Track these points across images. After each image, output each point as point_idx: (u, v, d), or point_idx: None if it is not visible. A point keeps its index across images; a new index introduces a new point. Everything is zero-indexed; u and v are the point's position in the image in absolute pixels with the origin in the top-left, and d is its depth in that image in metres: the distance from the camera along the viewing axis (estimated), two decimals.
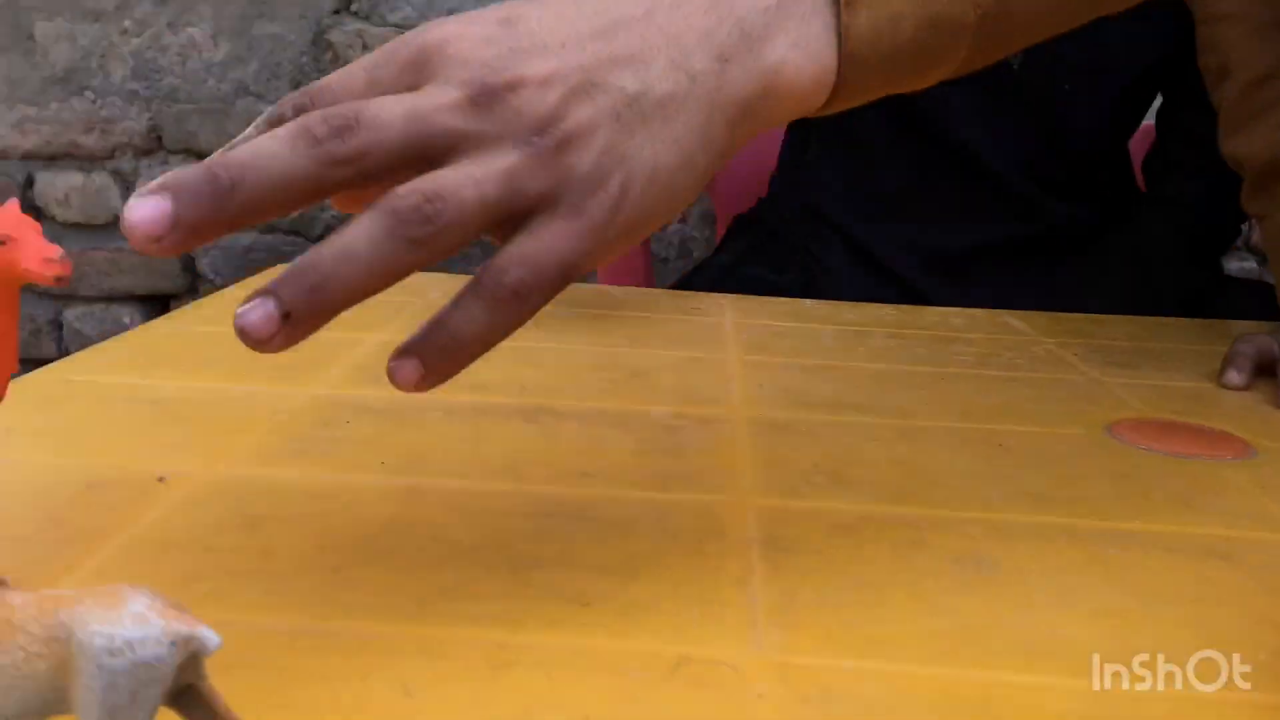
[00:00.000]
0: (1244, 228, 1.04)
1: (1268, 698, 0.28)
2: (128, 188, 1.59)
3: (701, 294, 0.78)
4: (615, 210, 0.30)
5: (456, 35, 0.30)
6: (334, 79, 0.31)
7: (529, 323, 0.46)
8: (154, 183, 0.27)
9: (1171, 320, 0.77)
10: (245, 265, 1.61)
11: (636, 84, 0.31)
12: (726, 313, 0.71)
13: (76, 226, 1.60)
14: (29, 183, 1.60)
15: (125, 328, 1.66)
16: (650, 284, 1.07)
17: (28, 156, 1.59)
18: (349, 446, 0.43)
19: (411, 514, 0.37)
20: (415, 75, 0.30)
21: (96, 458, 0.40)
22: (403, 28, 1.54)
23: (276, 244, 1.61)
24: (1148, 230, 0.94)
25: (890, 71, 0.36)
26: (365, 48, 1.55)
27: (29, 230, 0.26)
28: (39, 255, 0.26)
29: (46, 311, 1.64)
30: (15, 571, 0.25)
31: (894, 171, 0.96)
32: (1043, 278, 0.95)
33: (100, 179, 1.59)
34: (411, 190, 0.28)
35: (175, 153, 1.58)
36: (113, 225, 1.60)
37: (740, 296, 0.77)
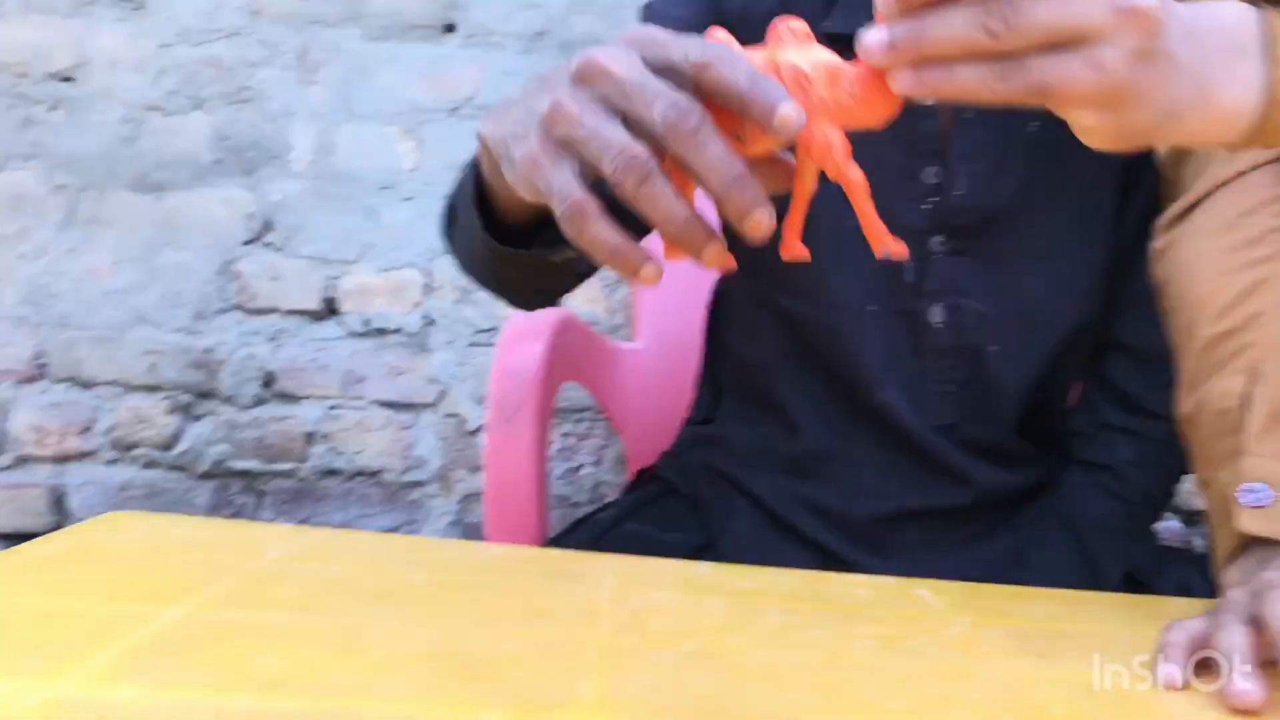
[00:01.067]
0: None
1: None
2: (5, 415, 1.49)
3: (583, 554, 0.69)
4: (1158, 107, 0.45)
5: None
6: None
7: (350, 595, 0.38)
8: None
9: (1102, 596, 0.70)
10: (119, 503, 1.50)
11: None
12: (606, 578, 0.63)
13: None
14: None
15: None
16: (542, 536, 0.98)
17: None
18: None
19: None
20: None
21: None
22: (315, 259, 1.51)
23: (156, 480, 1.50)
24: (1079, 497, 0.88)
25: None
26: (275, 279, 1.50)
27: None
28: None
29: None
30: None
31: (810, 434, 0.90)
32: (971, 548, 0.88)
33: None
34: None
35: (59, 381, 1.49)
36: None
37: (626, 558, 0.69)
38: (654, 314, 1.33)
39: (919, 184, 0.85)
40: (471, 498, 1.53)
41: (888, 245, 0.44)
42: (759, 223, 0.42)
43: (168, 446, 1.50)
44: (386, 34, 1.52)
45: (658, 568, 0.68)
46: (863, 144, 0.87)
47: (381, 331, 1.52)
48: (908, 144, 0.84)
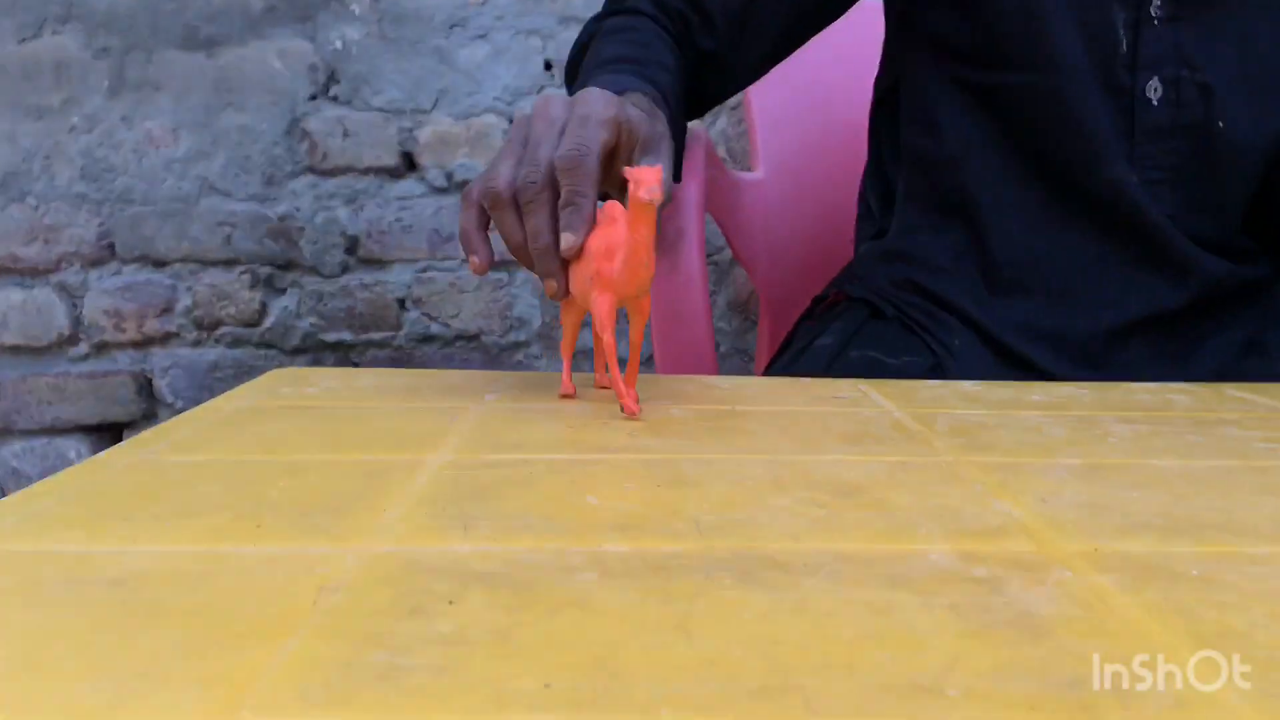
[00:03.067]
0: None
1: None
2: (74, 303, 1.40)
3: (831, 380, 0.60)
4: None
5: None
6: None
7: (646, 430, 0.34)
8: None
9: None
10: (209, 384, 1.41)
11: None
12: (884, 400, 0.53)
13: (14, 350, 1.40)
14: None
15: (72, 463, 1.45)
16: (714, 372, 0.89)
17: None
18: (464, 663, 0.24)
19: None
20: None
21: (30, 697, 0.21)
22: (387, 111, 1.38)
23: (244, 359, 1.42)
24: None
25: None
26: (347, 135, 1.39)
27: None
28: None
29: None
30: None
31: (1007, 237, 0.79)
32: (1198, 348, 0.78)
33: (43, 295, 1.40)
34: None
35: (130, 261, 1.39)
36: (56, 346, 1.40)
37: (884, 382, 0.60)
38: (772, 144, 1.21)
39: None
40: (579, 355, 1.44)
41: (625, 405, 0.48)
42: (547, 286, 0.51)
43: (253, 323, 1.41)
44: None
45: (928, 388, 0.58)
46: None
47: (467, 185, 1.40)
48: None
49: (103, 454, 0.42)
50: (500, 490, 0.36)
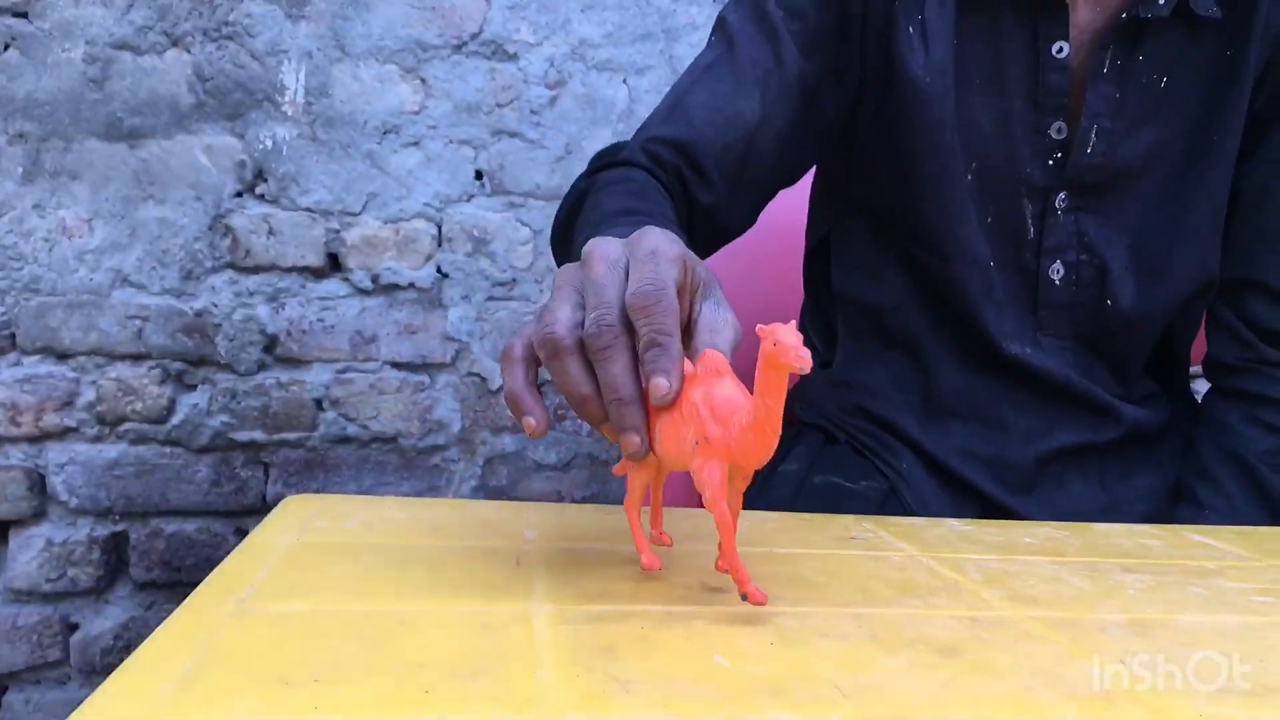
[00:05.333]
0: None
1: None
2: None
3: (836, 517, 0.64)
4: None
5: None
6: None
7: (710, 574, 0.47)
8: None
9: None
10: (107, 482, 1.35)
11: None
12: (899, 542, 0.57)
13: None
14: None
15: None
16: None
17: None
18: None
19: None
20: None
21: None
22: (315, 212, 1.38)
23: (147, 456, 1.36)
24: (1242, 433, 0.85)
25: None
26: (271, 233, 1.37)
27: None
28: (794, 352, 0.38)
29: None
30: None
31: (945, 374, 0.87)
32: (1128, 484, 0.86)
33: None
34: None
35: (31, 352, 1.33)
36: None
37: (887, 520, 0.64)
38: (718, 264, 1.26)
39: (1045, 139, 0.82)
40: (495, 460, 1.45)
41: (750, 592, 0.42)
42: (628, 442, 0.44)
43: (160, 420, 1.36)
44: None
45: (928, 526, 0.63)
46: (991, 93, 0.84)
47: (392, 288, 1.41)
48: (1034, 97, 0.81)
49: (193, 602, 0.42)
50: (628, 648, 0.38)
